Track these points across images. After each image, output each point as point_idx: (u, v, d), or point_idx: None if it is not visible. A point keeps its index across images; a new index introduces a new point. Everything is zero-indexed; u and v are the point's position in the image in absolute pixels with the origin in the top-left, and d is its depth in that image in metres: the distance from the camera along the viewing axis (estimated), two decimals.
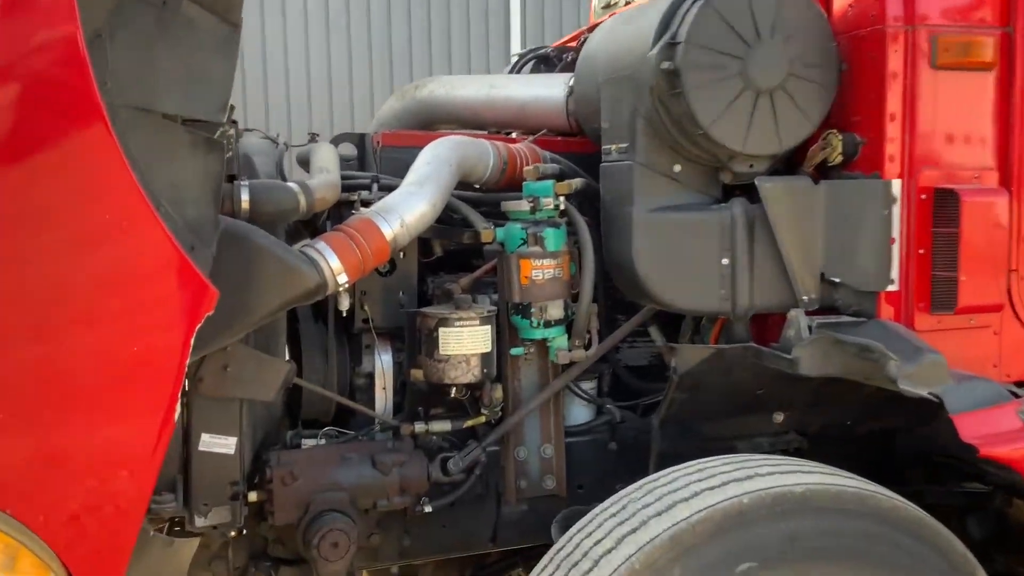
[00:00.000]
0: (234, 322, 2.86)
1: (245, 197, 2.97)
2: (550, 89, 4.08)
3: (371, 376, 3.63)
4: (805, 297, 3.22)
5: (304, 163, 3.74)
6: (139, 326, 2.17)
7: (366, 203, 3.35)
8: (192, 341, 2.20)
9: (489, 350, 3.26)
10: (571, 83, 3.98)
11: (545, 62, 4.67)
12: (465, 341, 3.18)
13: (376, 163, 3.87)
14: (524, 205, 3.34)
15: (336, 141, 3.98)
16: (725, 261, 3.19)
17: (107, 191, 2.09)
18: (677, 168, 3.23)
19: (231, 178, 3.03)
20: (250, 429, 3.20)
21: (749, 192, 3.23)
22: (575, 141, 4.06)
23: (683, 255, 3.22)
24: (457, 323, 3.18)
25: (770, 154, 3.13)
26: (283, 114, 11.85)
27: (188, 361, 2.24)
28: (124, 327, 2.15)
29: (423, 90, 4.44)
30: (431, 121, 4.46)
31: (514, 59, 4.85)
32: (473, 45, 12.41)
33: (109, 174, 2.07)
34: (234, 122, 3.11)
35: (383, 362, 3.59)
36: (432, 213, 3.28)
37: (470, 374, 3.21)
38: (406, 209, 3.20)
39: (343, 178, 3.46)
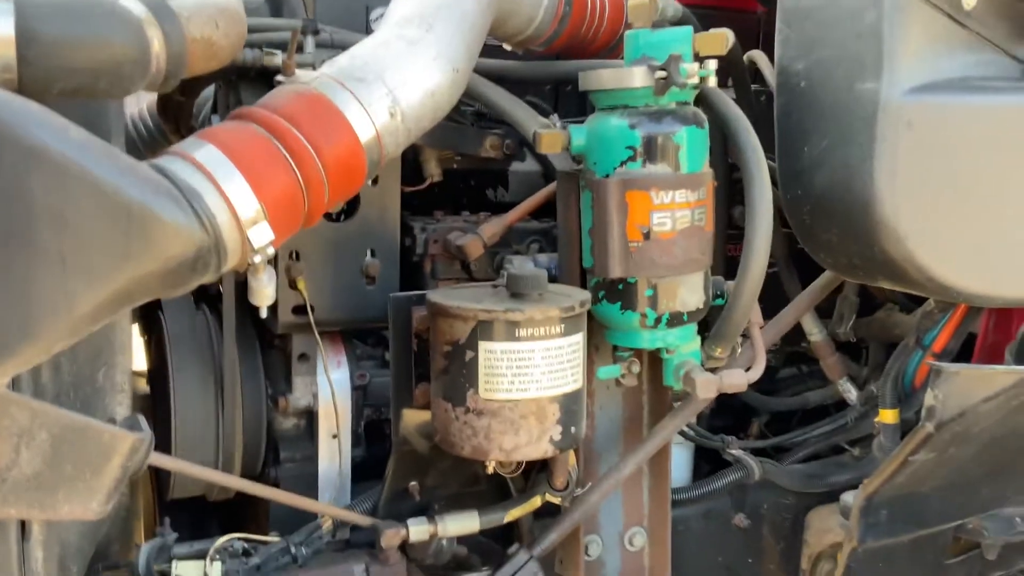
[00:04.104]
0: None
1: (6, 26, 1.15)
2: None
3: (309, 414, 1.89)
4: None
5: None
6: None
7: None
8: None
9: (580, 386, 1.55)
10: None
11: None
12: (536, 371, 1.46)
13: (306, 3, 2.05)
14: (637, 77, 1.59)
15: None
16: None
17: None
18: (969, 1, 1.55)
19: None
20: (53, 570, 1.42)
21: None
22: None
23: (985, 188, 1.56)
24: (522, 332, 1.44)
25: None
26: None
27: None
28: None
29: None
30: None
31: None
32: None
33: None
34: None
35: (334, 388, 1.85)
36: (450, 88, 1.53)
37: (544, 441, 1.49)
38: (401, 76, 1.43)
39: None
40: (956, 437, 1.72)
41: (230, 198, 1.23)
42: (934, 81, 1.55)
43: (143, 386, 2.18)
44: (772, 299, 2.15)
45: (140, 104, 2.57)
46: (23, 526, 1.38)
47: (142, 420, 1.41)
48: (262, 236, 1.27)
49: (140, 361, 2.15)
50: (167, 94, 2.10)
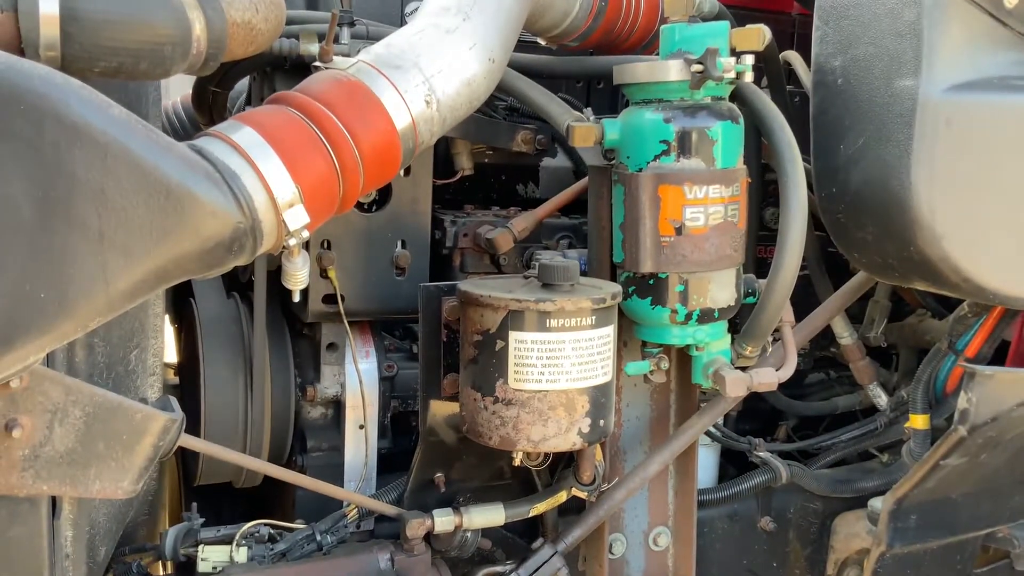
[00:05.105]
0: (30, 319, 1.09)
1: (51, 4, 1.17)
2: None
3: (337, 404, 1.89)
4: None
5: None
6: None
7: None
8: None
9: (610, 379, 1.55)
10: None
11: None
12: (566, 363, 1.45)
13: None
14: (672, 70, 1.59)
15: None
16: None
17: None
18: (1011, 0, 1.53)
19: None
20: (81, 549, 1.44)
21: None
22: None
23: None
24: (553, 322, 1.44)
25: None
26: None
27: None
28: None
29: None
30: None
31: None
32: None
33: None
34: None
35: (362, 377, 1.85)
36: (486, 78, 1.53)
37: (572, 433, 1.49)
38: (438, 64, 1.43)
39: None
40: (988, 442, 1.70)
41: (267, 180, 1.24)
42: (974, 79, 1.54)
43: (172, 377, 2.20)
44: (802, 302, 2.13)
45: (174, 98, 2.59)
46: (54, 504, 1.39)
47: (174, 401, 1.42)
48: (298, 219, 1.27)
49: (170, 355, 2.17)
50: (203, 86, 2.12)
